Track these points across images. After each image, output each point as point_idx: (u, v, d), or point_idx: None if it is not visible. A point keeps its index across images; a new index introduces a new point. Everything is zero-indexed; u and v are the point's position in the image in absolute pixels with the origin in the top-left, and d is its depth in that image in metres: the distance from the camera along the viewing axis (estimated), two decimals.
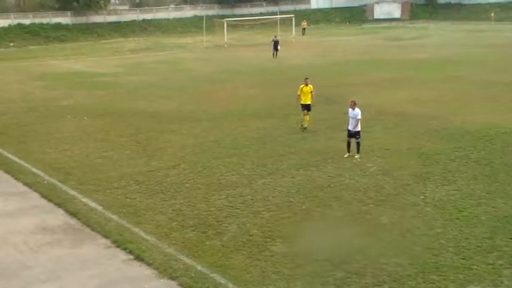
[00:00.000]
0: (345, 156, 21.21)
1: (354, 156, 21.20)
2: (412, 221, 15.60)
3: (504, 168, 19.80)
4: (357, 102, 21.48)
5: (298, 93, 25.67)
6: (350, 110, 21.35)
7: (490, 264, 13.17)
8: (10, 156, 22.70)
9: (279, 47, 53.23)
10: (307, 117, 25.47)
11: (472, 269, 12.96)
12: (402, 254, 13.72)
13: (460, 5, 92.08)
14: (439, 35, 69.07)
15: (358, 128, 21.25)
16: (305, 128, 25.34)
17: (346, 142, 21.52)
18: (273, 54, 53.12)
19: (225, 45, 64.49)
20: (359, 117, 21.13)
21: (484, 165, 20.17)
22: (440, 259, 13.44)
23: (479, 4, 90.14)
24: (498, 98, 31.20)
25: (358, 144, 21.36)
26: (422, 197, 17.34)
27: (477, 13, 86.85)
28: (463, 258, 13.42)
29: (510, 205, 16.51)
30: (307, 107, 25.53)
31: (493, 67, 42.38)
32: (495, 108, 28.00)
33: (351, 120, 21.27)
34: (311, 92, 25.54)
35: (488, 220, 15.52)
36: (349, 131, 21.40)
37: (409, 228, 15.19)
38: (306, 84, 25.58)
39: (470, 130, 24.46)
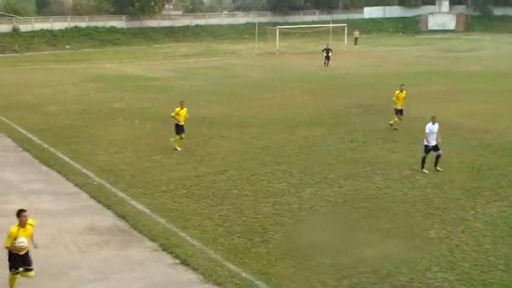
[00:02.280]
0: (426, 172, 20.63)
1: (436, 169, 20.86)
2: (461, 236, 15.33)
3: None
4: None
5: (394, 98, 27.16)
6: (430, 125, 20.82)
7: None
8: (62, 156, 23.16)
9: (330, 55, 53.06)
10: (398, 121, 26.92)
11: None
12: (450, 270, 13.50)
13: None
14: (494, 48, 67.83)
15: (439, 140, 20.97)
16: (395, 129, 26.70)
17: (422, 158, 20.93)
18: (324, 63, 52.99)
19: (277, 53, 64.59)
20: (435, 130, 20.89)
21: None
22: (489, 276, 13.18)
23: None
24: None
25: (439, 156, 20.90)
26: (472, 212, 17.04)
27: None
28: None
29: None
30: (400, 112, 27.00)
31: None
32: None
33: (431, 135, 20.72)
34: (404, 97, 27.18)
35: None
36: (426, 146, 20.85)
37: (458, 243, 14.93)
38: (401, 91, 27.09)
39: None
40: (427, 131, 20.82)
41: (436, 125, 20.87)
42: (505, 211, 17.06)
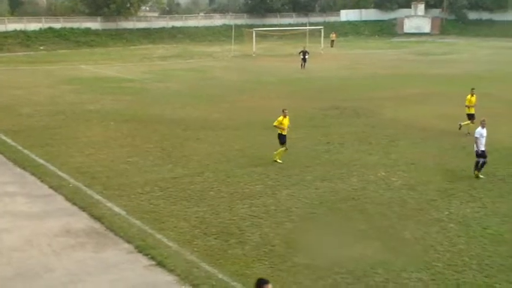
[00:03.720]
0: (481, 177, 20.31)
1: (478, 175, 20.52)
2: (436, 237, 15.48)
3: None
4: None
5: (466, 103, 27.13)
6: (480, 129, 20.50)
7: None
8: (36, 158, 22.96)
9: (307, 58, 53.28)
10: (471, 125, 26.22)
11: (495, 287, 12.83)
12: (424, 270, 13.63)
13: (491, 22, 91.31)
14: (469, 51, 68.56)
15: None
16: (468, 133, 26.03)
17: (476, 163, 20.60)
18: (301, 65, 53.18)
19: (253, 55, 64.65)
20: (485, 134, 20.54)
21: (510, 182, 19.99)
22: (462, 276, 13.33)
23: (510, 21, 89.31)
24: None
25: (484, 163, 20.54)
26: (446, 213, 17.22)
27: (508, 30, 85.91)
28: (485, 276, 13.30)
29: None
30: (473, 116, 26.65)
31: None
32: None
33: (482, 140, 20.38)
34: (475, 102, 27.00)
35: None
36: (477, 151, 20.50)
37: (432, 244, 15.08)
38: (472, 95, 27.06)
39: (497, 147, 24.17)
40: (477, 135, 20.44)
41: (485, 129, 20.45)
42: (478, 212, 17.27)
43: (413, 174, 20.85)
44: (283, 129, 22.37)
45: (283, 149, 22.41)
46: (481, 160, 20.44)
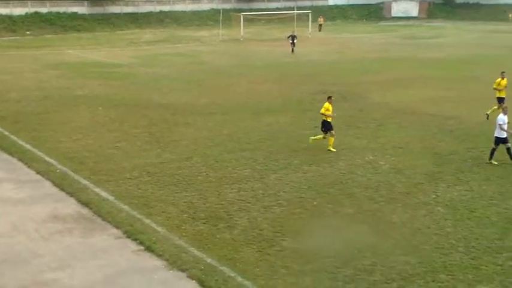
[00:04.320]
0: (495, 163, 20.11)
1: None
2: (423, 220, 15.58)
3: None
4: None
5: (495, 87, 26.62)
6: (502, 115, 20.24)
7: (499, 265, 13.15)
8: (24, 144, 22.84)
9: (295, 42, 53.21)
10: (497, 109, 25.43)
11: (481, 269, 12.94)
12: (412, 253, 13.72)
13: (478, 5, 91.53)
14: (456, 35, 68.70)
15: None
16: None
17: (492, 150, 20.38)
18: (292, 49, 53.08)
19: (241, 39, 64.45)
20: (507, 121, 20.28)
21: (496, 166, 20.09)
22: (449, 259, 13.43)
23: (497, 4, 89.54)
24: (507, 100, 30.93)
25: (510, 149, 20.19)
26: (433, 196, 17.31)
27: (495, 13, 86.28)
28: (472, 259, 13.40)
29: None
30: (502, 100, 26.03)
31: (509, 68, 41.99)
32: (510, 109, 27.77)
33: (505, 126, 20.06)
34: (506, 85, 26.53)
35: (499, 221, 15.49)
36: (497, 138, 20.21)
37: (420, 227, 15.17)
38: (503, 78, 26.53)
39: (484, 130, 24.32)
40: (500, 122, 20.13)
41: (507, 116, 20.18)
42: (465, 195, 17.38)
43: (401, 158, 20.92)
44: (330, 116, 21.98)
45: (324, 135, 22.08)
46: (506, 146, 20.15)
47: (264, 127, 25.31)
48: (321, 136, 22.20)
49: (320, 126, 22.21)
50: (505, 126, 20.14)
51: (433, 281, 12.44)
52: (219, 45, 61.24)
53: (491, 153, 20.43)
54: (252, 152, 21.66)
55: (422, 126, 25.34)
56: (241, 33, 65.53)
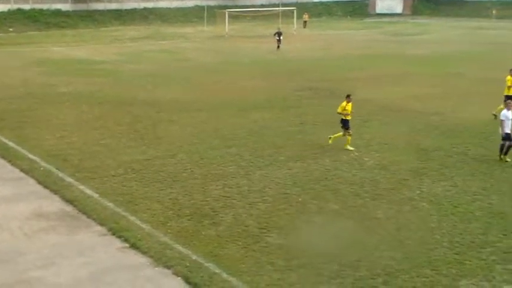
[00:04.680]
0: (508, 160, 20.08)
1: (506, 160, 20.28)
2: (408, 216, 15.64)
3: (500, 165, 19.89)
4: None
5: (509, 84, 25.98)
6: (506, 111, 20.18)
7: (482, 259, 13.23)
8: (7, 141, 22.67)
9: (281, 39, 53.20)
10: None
11: (465, 264, 13.01)
12: (397, 248, 13.76)
13: (462, 2, 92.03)
14: (440, 32, 69.03)
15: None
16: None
17: (500, 146, 20.31)
18: (278, 46, 53.05)
19: (226, 36, 64.34)
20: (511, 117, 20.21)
21: (480, 161, 20.23)
22: (434, 254, 13.49)
23: (480, 1, 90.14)
24: (497, 95, 31.13)
25: (510, 147, 20.22)
26: (418, 192, 17.38)
27: (478, 10, 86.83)
28: (456, 254, 13.48)
29: (504, 202, 16.60)
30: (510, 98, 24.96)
31: (493, 64, 42.28)
32: (494, 105, 27.95)
33: (508, 122, 20.04)
34: None
35: (483, 216, 15.59)
36: (502, 134, 20.15)
37: (404, 222, 15.23)
38: None
39: (468, 126, 24.52)
40: (502, 118, 20.20)
41: (510, 111, 20.15)
42: (450, 190, 17.47)
43: (386, 154, 20.99)
44: (348, 114, 21.84)
45: (341, 133, 21.92)
46: (507, 143, 20.15)
47: (249, 124, 25.30)
48: (340, 134, 21.99)
49: (340, 124, 21.92)
50: (508, 122, 20.01)
51: (418, 276, 12.49)
52: (204, 42, 61.10)
53: (500, 150, 20.28)
54: (237, 148, 21.65)
55: (407, 123, 25.44)
56: (226, 30, 65.43)
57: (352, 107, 22.02)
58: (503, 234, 14.45)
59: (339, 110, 21.89)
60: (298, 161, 20.15)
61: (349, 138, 21.77)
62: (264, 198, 16.85)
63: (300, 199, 16.79)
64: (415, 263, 13.06)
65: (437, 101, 29.99)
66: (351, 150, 21.42)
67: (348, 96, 22.00)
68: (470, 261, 13.14)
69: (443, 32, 68.87)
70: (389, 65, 43.10)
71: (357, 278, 12.44)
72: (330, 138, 21.98)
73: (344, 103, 21.82)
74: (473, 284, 12.16)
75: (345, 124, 21.83)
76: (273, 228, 14.82)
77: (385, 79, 36.71)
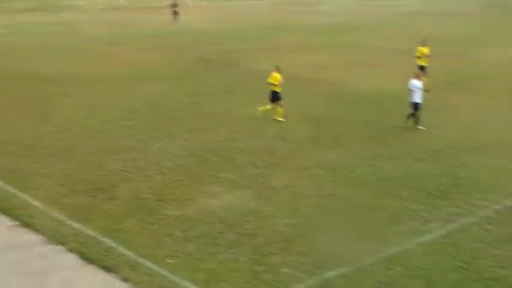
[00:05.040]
0: (422, 128, 20.54)
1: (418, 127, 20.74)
2: (304, 183, 15.88)
3: (392, 131, 20.54)
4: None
5: (418, 55, 26.37)
6: (413, 81, 20.65)
7: (374, 222, 13.64)
8: None
9: (177, 10, 52.54)
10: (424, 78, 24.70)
11: (358, 227, 13.36)
12: (293, 215, 13.96)
13: None
14: (339, 2, 70.13)
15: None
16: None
17: (411, 115, 20.78)
18: (174, 18, 52.36)
19: (121, 8, 62.89)
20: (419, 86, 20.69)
21: (374, 129, 20.81)
22: (330, 218, 13.76)
23: None
24: (388, 64, 32.14)
25: (414, 115, 20.77)
26: (314, 159, 17.68)
27: None
28: (350, 218, 13.81)
29: (395, 167, 17.15)
30: (423, 68, 25.68)
31: (386, 34, 43.52)
32: (385, 74, 28.84)
33: (417, 91, 20.50)
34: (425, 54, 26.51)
35: (375, 181, 16.06)
36: (412, 103, 20.68)
37: (301, 190, 15.46)
38: (424, 46, 26.47)
39: (361, 95, 25.15)
40: (411, 87, 20.62)
41: (419, 81, 20.64)
42: (343, 157, 17.88)
43: (282, 124, 21.21)
44: (278, 85, 21.64)
45: (269, 107, 21.73)
46: (417, 112, 20.69)
47: (145, 96, 24.94)
48: (268, 107, 21.90)
49: (270, 96, 21.79)
50: (417, 91, 20.52)
51: (313, 241, 12.73)
52: (98, 13, 59.48)
53: (415, 119, 20.77)
54: (133, 121, 21.30)
55: (302, 92, 25.78)
56: (121, 1, 63.91)
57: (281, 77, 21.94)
58: (393, 197, 14.93)
59: (270, 80, 21.83)
60: (195, 133, 20.06)
61: (280, 109, 21.75)
62: (161, 170, 16.67)
63: (195, 170, 16.72)
64: (311, 227, 13.28)
65: (332, 70, 30.55)
66: (282, 121, 21.46)
67: (277, 67, 21.96)
68: (362, 224, 13.50)
69: (342, 2, 70.00)
70: (287, 35, 43.51)
71: (254, 246, 12.53)
72: (259, 110, 21.90)
73: (275, 74, 21.78)
74: (366, 246, 12.43)
75: (275, 96, 21.77)
76: (170, 201, 14.70)
77: (284, 49, 36.98)
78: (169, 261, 11.81)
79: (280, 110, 21.73)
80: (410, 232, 13.11)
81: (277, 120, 21.52)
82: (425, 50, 27.11)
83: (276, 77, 21.69)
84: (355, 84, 27.18)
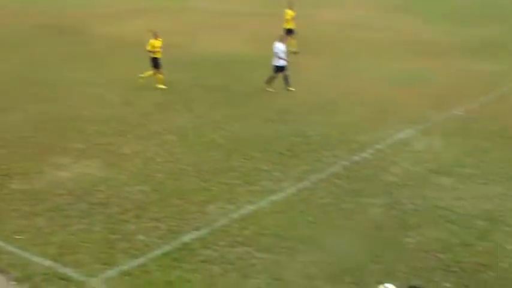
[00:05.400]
0: (271, 90, 20.82)
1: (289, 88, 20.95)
2: (155, 149, 15.76)
3: (239, 94, 20.85)
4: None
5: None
6: (279, 44, 20.86)
7: (226, 184, 13.82)
8: None
9: None
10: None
11: (211, 190, 13.49)
12: (145, 182, 13.84)
13: None
14: None
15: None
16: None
17: (271, 77, 21.01)
18: None
19: None
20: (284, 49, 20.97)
21: (221, 91, 20.98)
22: (182, 183, 13.80)
23: None
24: (235, 28, 32.36)
25: (287, 76, 20.98)
26: (163, 125, 17.57)
27: None
28: (203, 181, 13.91)
29: (246, 128, 17.46)
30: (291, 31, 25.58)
31: None
32: (232, 37, 29.03)
33: (281, 55, 20.78)
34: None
35: (226, 143, 16.26)
36: (276, 66, 20.90)
37: (152, 156, 15.34)
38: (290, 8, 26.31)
39: (208, 58, 25.19)
40: (275, 50, 20.78)
41: (283, 44, 20.94)
42: (193, 121, 17.93)
43: (130, 91, 20.84)
44: (157, 52, 21.20)
45: (151, 72, 21.32)
46: (283, 74, 21.01)
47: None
48: (150, 73, 21.42)
49: (151, 63, 21.45)
50: (281, 54, 20.92)
51: (168, 206, 12.67)
52: None
53: (269, 80, 21.15)
54: None
55: (146, 57, 25.33)
56: None
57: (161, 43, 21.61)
58: (244, 159, 15.21)
59: (149, 47, 21.39)
60: (38, 103, 19.22)
61: (161, 76, 21.38)
62: (2, 144, 15.83)
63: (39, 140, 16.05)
64: (164, 195, 13.24)
65: (177, 34, 30.20)
66: (164, 88, 21.11)
67: (155, 33, 21.52)
68: (215, 187, 13.64)
69: None
70: (127, 0, 42.37)
71: (107, 215, 12.28)
72: (140, 77, 21.38)
73: (152, 40, 21.35)
74: (220, 208, 12.65)
75: (155, 63, 21.41)
76: (15, 175, 14.05)
77: (125, 15, 36.05)
78: (17, 237, 11.33)
79: (160, 77, 21.48)
80: (262, 192, 13.44)
81: (159, 87, 21.24)
82: (291, 12, 27.20)
83: (154, 44, 21.41)
84: (200, 48, 27.18)
